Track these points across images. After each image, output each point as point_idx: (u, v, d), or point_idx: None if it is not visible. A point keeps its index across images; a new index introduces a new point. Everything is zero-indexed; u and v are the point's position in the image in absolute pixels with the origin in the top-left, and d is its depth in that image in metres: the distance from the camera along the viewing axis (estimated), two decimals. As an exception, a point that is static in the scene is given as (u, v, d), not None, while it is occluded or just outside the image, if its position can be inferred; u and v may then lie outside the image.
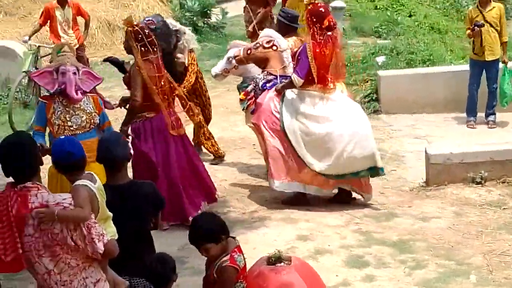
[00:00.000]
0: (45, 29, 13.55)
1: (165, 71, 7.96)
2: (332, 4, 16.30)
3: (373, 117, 11.77)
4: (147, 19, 8.53)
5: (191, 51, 9.40)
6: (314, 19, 8.26)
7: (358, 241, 7.71)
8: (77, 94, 6.67)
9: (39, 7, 17.98)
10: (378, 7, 20.21)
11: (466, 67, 11.77)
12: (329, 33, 8.28)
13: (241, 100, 9.09)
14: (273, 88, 8.55)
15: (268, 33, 9.09)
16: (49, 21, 12.80)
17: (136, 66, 7.68)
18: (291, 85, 8.33)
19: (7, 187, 4.59)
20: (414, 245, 7.54)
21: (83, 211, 4.53)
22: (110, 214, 4.99)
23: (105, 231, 4.73)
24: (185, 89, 9.11)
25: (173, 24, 9.14)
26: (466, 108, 11.39)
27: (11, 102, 11.80)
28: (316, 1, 8.50)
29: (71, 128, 6.67)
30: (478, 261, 7.15)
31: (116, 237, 4.94)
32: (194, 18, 18.03)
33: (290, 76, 8.39)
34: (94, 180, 4.88)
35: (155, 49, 7.75)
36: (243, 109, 9.19)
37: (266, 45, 8.84)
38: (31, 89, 12.42)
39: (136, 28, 7.70)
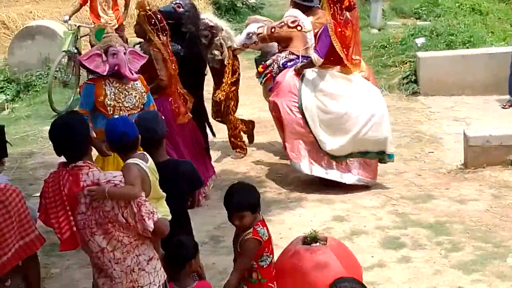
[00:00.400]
0: (85, 9, 13.64)
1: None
2: (372, -16, 16.23)
3: (412, 98, 11.75)
4: (175, 2, 8.54)
5: (230, 48, 9.29)
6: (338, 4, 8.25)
7: (394, 222, 7.70)
8: (131, 73, 6.72)
9: (79, -13, 18.13)
10: (418, -13, 20.04)
11: (507, 49, 11.68)
12: (349, 13, 8.31)
13: (259, 73, 9.21)
14: (293, 67, 8.56)
15: (293, 13, 9.08)
16: (89, 1, 12.88)
17: (155, 48, 7.65)
18: (311, 64, 8.33)
19: (59, 167, 4.62)
20: (451, 227, 7.52)
21: (133, 189, 4.54)
22: (163, 194, 5.01)
23: (157, 210, 4.76)
24: (223, 93, 9.24)
25: (211, 19, 9.14)
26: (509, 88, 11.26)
27: (50, 81, 11.93)
28: None
29: (128, 108, 6.69)
30: (515, 244, 7.12)
31: (170, 217, 4.97)
32: (233, -1, 18.07)
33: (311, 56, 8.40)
34: (146, 159, 4.91)
35: (166, 34, 7.76)
36: (260, 83, 9.36)
37: (291, 25, 8.85)
38: (70, 69, 12.54)
39: (149, 12, 7.67)
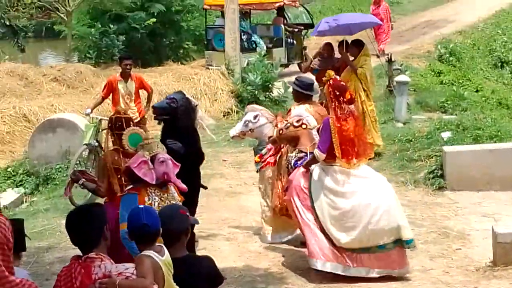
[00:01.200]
0: (106, 102, 13.84)
1: None
2: (397, 78, 16.37)
3: (438, 193, 11.68)
4: (169, 97, 8.82)
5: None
6: (337, 93, 8.50)
7: (421, 322, 7.59)
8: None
9: (101, 81, 18.49)
10: (443, 82, 20.22)
11: (536, 143, 11.64)
12: (351, 106, 8.56)
13: (256, 162, 9.75)
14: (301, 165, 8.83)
15: (297, 113, 9.45)
16: (111, 93, 13.06)
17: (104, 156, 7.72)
18: (314, 160, 8.54)
19: (72, 260, 4.71)
20: (480, 328, 7.40)
21: (144, 281, 4.58)
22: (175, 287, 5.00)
23: None
24: None
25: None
26: None
27: (70, 174, 11.99)
28: (335, 77, 8.80)
29: None
30: None
31: None
32: (256, 92, 18.28)
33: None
34: (163, 252, 4.93)
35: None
36: (257, 171, 9.85)
37: (296, 124, 9.12)
38: (91, 162, 12.62)
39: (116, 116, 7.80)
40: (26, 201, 12.93)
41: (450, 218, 10.71)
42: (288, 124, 9.16)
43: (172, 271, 4.95)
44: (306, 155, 8.87)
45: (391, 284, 8.51)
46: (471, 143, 13.04)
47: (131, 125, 7.61)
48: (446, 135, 13.67)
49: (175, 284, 5.04)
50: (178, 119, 8.56)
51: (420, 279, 8.62)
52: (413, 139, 13.88)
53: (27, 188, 13.30)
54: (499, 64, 24.42)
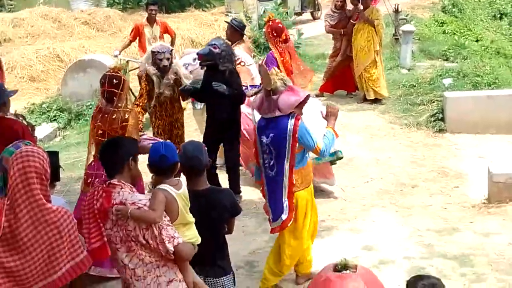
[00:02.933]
0: (134, 44, 13.78)
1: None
2: (403, 28, 16.21)
3: (439, 136, 11.63)
4: (210, 43, 8.65)
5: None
6: (275, 33, 9.77)
7: (420, 253, 7.61)
8: None
9: (129, 25, 18.41)
10: (446, 32, 20.01)
11: (531, 90, 11.55)
12: (285, 44, 9.83)
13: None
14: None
15: (235, 53, 9.34)
16: (138, 37, 13.02)
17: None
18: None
19: (98, 184, 4.86)
20: (474, 259, 7.41)
21: (153, 213, 4.60)
22: (192, 219, 4.99)
23: (183, 235, 4.79)
24: None
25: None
26: None
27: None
28: (274, 19, 10.04)
29: None
30: (537, 277, 6.99)
31: (198, 241, 4.96)
32: (272, 38, 18.08)
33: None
34: (180, 186, 4.92)
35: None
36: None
37: (193, 63, 9.42)
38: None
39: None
40: (59, 135, 12.96)
41: (449, 158, 10.68)
42: (186, 65, 9.41)
43: (189, 204, 4.95)
44: (246, 88, 9.14)
45: (393, 216, 8.54)
46: (470, 89, 13.01)
47: (114, 83, 7.29)
48: (447, 81, 13.59)
49: (200, 213, 5.08)
50: (220, 63, 8.43)
51: (421, 214, 8.64)
52: (416, 85, 13.81)
53: (60, 123, 13.32)
54: (498, 16, 24.07)
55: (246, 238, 8.03)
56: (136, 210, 4.57)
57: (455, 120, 11.85)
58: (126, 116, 7.26)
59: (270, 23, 9.83)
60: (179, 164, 5.04)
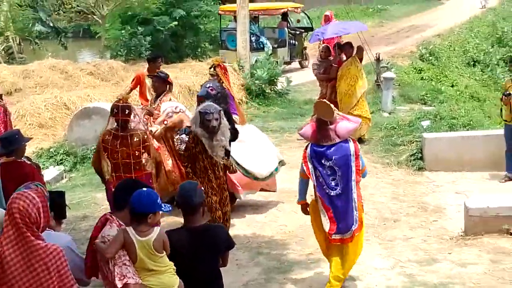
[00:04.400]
0: (134, 92, 13.83)
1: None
2: (384, 75, 16.34)
3: (418, 173, 11.67)
4: (207, 85, 8.76)
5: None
6: (226, 73, 10.58)
7: (402, 282, 7.59)
8: None
9: (130, 75, 18.46)
10: (424, 78, 20.19)
11: (502, 131, 11.61)
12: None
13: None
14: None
15: (169, 105, 9.60)
16: (138, 86, 13.05)
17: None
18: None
19: (107, 214, 5.08)
20: (453, 288, 7.40)
21: (104, 249, 4.77)
22: (160, 269, 4.95)
23: (145, 280, 4.85)
24: None
25: None
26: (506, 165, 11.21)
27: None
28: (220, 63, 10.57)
29: None
30: (511, 304, 6.97)
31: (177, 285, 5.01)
32: (263, 85, 18.24)
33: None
34: (146, 234, 4.88)
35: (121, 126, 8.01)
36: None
37: (175, 110, 9.41)
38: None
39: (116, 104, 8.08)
40: (65, 177, 12.95)
41: (428, 194, 10.70)
42: (170, 114, 9.33)
43: (153, 252, 4.88)
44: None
45: (376, 248, 8.53)
46: (447, 130, 13.07)
47: (126, 113, 7.91)
48: (425, 123, 13.67)
49: (197, 248, 5.16)
50: (218, 103, 8.19)
51: (402, 246, 8.63)
52: (397, 127, 13.89)
53: (66, 166, 13.31)
54: (472, 63, 24.36)
55: (240, 271, 7.99)
56: (97, 243, 4.80)
57: (433, 159, 11.90)
58: (145, 137, 8.04)
59: (221, 64, 10.49)
60: (150, 214, 4.88)
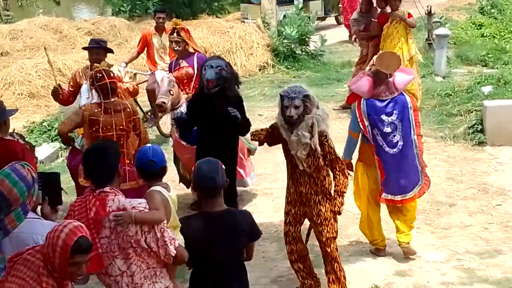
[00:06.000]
0: (142, 56, 13.87)
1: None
2: (436, 31, 16.23)
3: (478, 149, 11.61)
4: (211, 64, 8.13)
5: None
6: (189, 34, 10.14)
7: (459, 278, 7.60)
8: None
9: (136, 34, 18.54)
10: (484, 35, 20.01)
11: None
12: None
13: None
14: None
15: (163, 73, 9.84)
16: (146, 48, 13.09)
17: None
18: None
19: (87, 192, 5.07)
20: (519, 284, 7.40)
21: (158, 213, 4.94)
22: (179, 224, 5.30)
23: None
24: None
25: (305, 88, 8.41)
26: None
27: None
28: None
29: None
30: None
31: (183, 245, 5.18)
32: (292, 46, 18.19)
33: None
34: (169, 189, 5.29)
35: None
36: None
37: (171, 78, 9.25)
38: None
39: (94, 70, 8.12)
40: (61, 156, 13.03)
41: (490, 173, 10.67)
42: (172, 84, 9.15)
43: (177, 207, 5.34)
44: None
45: (428, 238, 8.53)
46: (513, 97, 12.94)
47: (111, 76, 8.02)
48: (486, 89, 13.57)
49: (216, 238, 5.20)
50: (229, 87, 8.10)
51: (459, 235, 8.63)
52: (452, 94, 13.81)
53: (62, 142, 13.38)
54: (543, 17, 24.07)
55: (267, 265, 8.05)
56: (140, 213, 4.85)
57: (496, 131, 11.82)
58: (135, 109, 8.16)
59: (184, 27, 10.13)
60: (167, 168, 5.46)
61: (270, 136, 7.28)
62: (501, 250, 8.21)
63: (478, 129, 12.02)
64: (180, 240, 5.12)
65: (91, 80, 8.06)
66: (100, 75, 7.94)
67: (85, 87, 9.03)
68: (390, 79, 7.68)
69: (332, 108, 13.40)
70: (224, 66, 8.14)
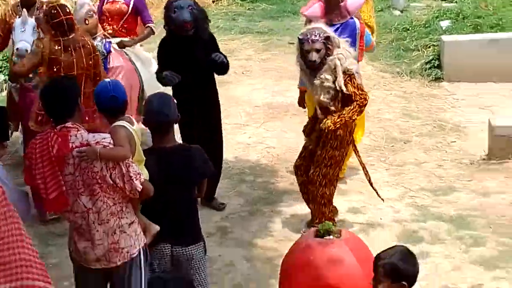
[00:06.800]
0: None
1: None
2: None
3: (434, 85, 11.69)
4: (184, 4, 7.74)
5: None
6: None
7: (412, 215, 7.74)
8: None
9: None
10: (444, -33, 19.95)
11: (538, 33, 11.61)
12: None
13: None
14: None
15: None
16: None
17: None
18: None
19: (48, 129, 4.99)
20: (472, 221, 7.56)
21: (123, 149, 4.90)
22: (144, 158, 5.26)
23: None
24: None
25: (325, 29, 7.98)
26: None
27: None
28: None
29: None
30: (541, 240, 7.13)
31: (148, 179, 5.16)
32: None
33: None
34: (132, 122, 5.22)
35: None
36: None
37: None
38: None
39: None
40: (5, 89, 12.87)
41: (446, 110, 10.77)
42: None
43: (141, 140, 5.23)
44: None
45: (382, 175, 8.67)
46: (471, 32, 12.97)
47: (67, 11, 7.69)
48: (445, 23, 13.59)
49: (168, 174, 5.28)
50: (202, 27, 7.81)
51: (414, 172, 8.76)
52: (410, 28, 13.79)
53: (6, 74, 13.20)
54: None
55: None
56: (105, 149, 4.81)
57: (453, 67, 11.89)
58: (94, 46, 7.88)
59: None
60: (127, 101, 5.38)
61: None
62: (455, 187, 8.36)
63: (435, 65, 12.09)
64: (145, 174, 5.12)
65: (45, 16, 7.76)
66: (55, 11, 7.63)
67: (18, 21, 8.59)
68: (342, 4, 7.80)
69: (288, 41, 13.36)
70: (194, 5, 7.79)
